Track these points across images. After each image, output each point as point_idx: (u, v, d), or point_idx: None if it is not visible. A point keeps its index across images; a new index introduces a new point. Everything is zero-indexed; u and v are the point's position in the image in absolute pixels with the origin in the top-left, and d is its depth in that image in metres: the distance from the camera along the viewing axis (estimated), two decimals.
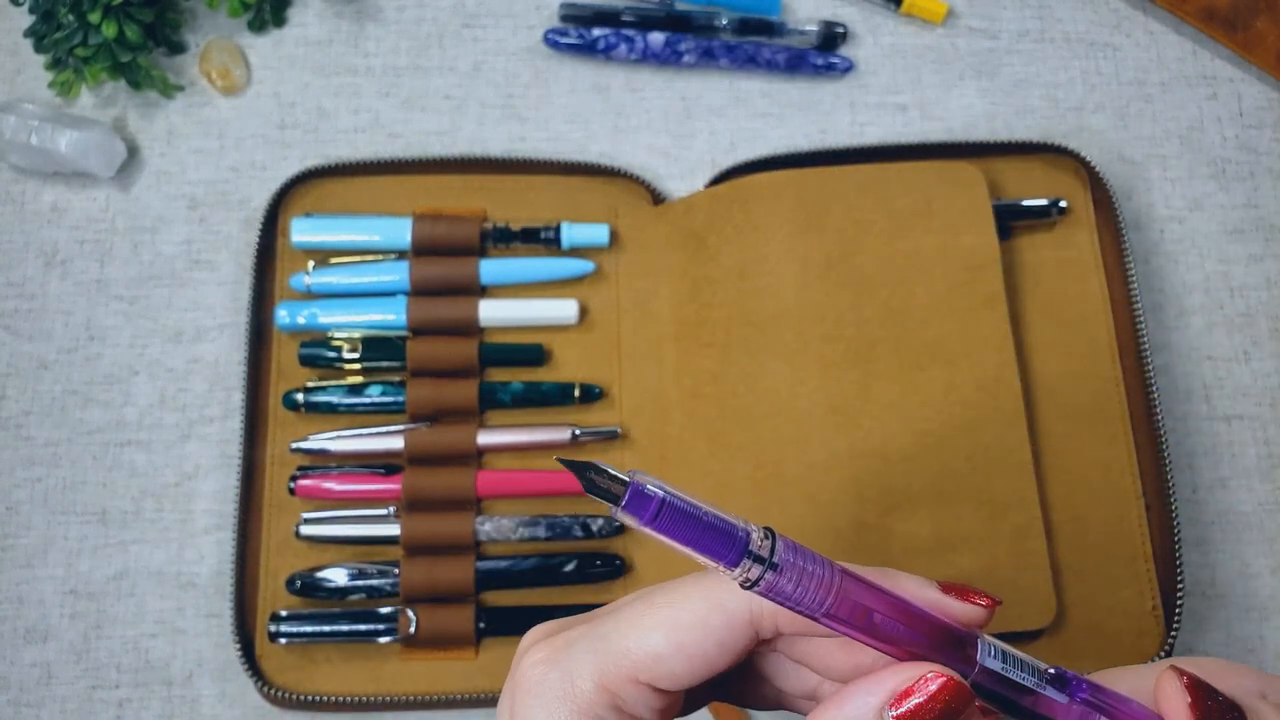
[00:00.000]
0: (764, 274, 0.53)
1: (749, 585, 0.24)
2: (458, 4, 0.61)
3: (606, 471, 0.24)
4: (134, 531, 0.52)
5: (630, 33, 0.59)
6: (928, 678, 0.24)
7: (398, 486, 0.51)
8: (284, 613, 0.49)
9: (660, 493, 0.24)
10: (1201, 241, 0.58)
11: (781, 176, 0.55)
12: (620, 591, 0.51)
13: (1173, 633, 0.49)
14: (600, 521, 0.51)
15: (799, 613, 0.25)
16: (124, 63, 0.56)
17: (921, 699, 0.24)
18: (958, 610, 0.26)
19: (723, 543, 0.24)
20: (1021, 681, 0.26)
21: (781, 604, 0.25)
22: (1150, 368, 0.52)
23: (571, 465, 0.24)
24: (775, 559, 0.24)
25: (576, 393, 0.53)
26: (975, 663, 0.26)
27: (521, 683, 0.26)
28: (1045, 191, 0.56)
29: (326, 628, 0.49)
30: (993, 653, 0.26)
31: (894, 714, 0.24)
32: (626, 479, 0.24)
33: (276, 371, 0.54)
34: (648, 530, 0.24)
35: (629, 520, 0.24)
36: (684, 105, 0.60)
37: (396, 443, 0.52)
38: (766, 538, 0.25)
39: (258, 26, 0.60)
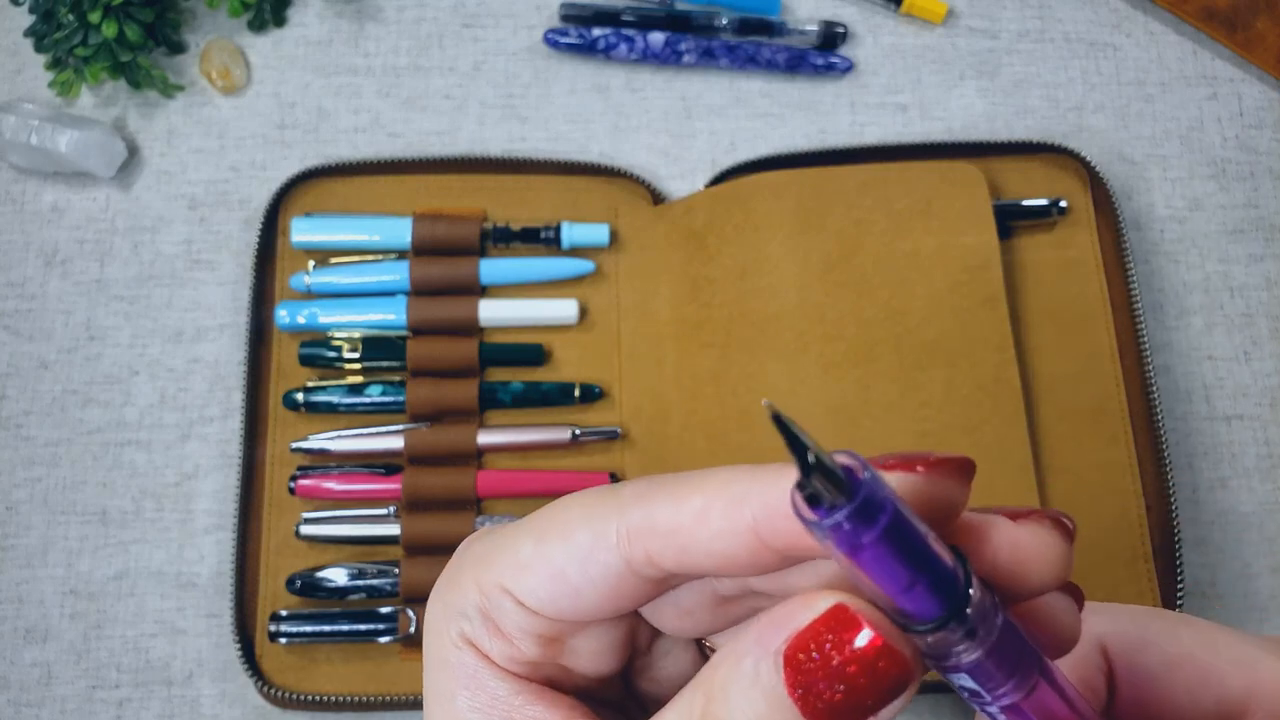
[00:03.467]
0: (764, 274, 0.53)
1: (947, 669, 0.18)
2: (458, 4, 0.61)
3: (825, 465, 0.17)
4: (134, 531, 0.52)
5: (630, 33, 0.59)
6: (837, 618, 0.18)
7: (398, 486, 0.51)
8: (284, 613, 0.49)
9: (890, 498, 0.17)
10: (1201, 241, 0.58)
11: (781, 176, 0.55)
12: None
13: None
14: None
15: (981, 697, 0.19)
16: (124, 62, 0.56)
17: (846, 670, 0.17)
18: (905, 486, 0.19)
19: (936, 588, 0.17)
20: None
21: (980, 682, 0.19)
22: (1150, 368, 0.52)
23: (791, 438, 0.17)
24: (996, 622, 0.18)
25: (576, 393, 0.53)
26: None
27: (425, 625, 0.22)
28: (1045, 191, 0.56)
29: (326, 628, 0.49)
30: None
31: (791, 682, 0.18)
32: (849, 473, 0.17)
33: (276, 371, 0.54)
34: (845, 558, 0.17)
35: (829, 542, 0.17)
36: (684, 105, 0.60)
37: (396, 443, 0.52)
38: (971, 584, 0.18)
39: (258, 26, 0.60)
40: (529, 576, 0.20)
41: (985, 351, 0.52)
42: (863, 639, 0.17)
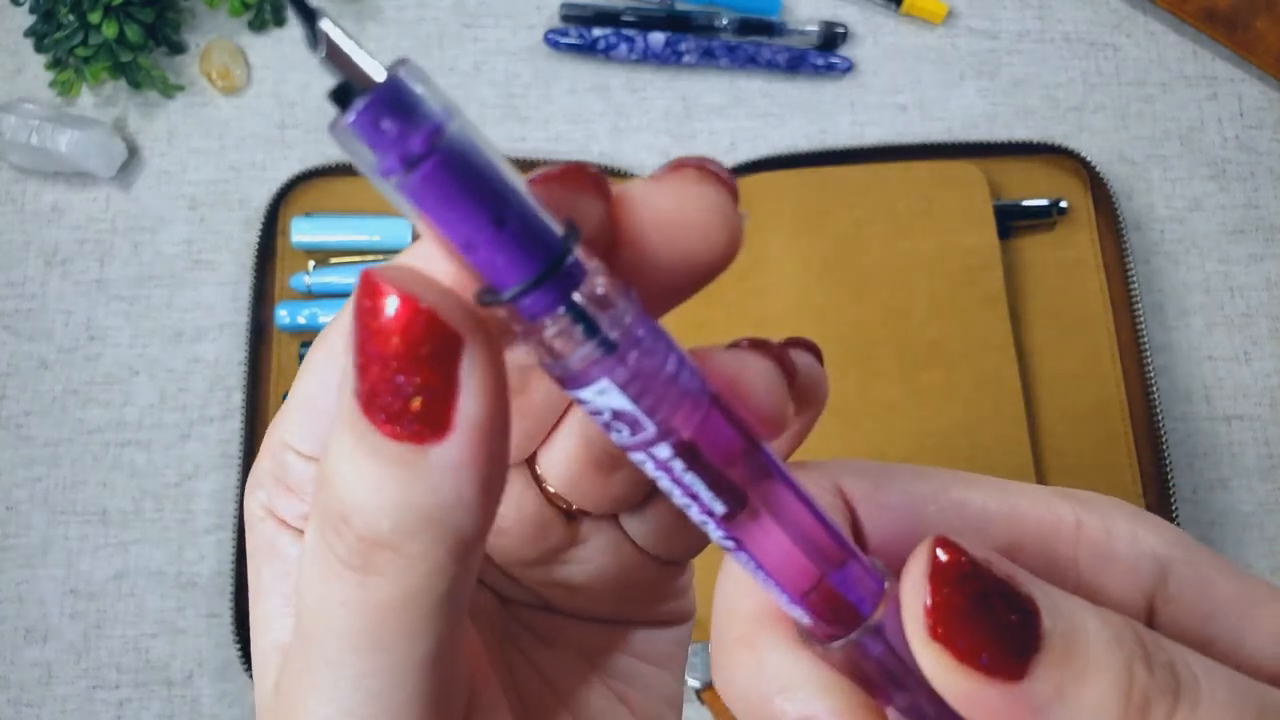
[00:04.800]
0: (764, 274, 0.53)
1: (575, 383, 0.14)
2: (458, 4, 0.61)
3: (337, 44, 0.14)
4: (134, 531, 0.52)
5: (630, 33, 0.59)
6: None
7: None
8: None
9: (442, 114, 0.13)
10: (1201, 241, 0.58)
11: (781, 177, 0.55)
12: None
13: None
14: None
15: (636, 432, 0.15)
16: (124, 63, 0.56)
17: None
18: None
19: (521, 240, 0.13)
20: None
21: (631, 400, 0.15)
22: (1150, 368, 0.52)
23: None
24: (625, 319, 0.14)
25: None
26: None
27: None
28: (1045, 191, 0.56)
29: None
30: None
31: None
32: (381, 72, 0.13)
33: (276, 371, 0.54)
34: (396, 191, 0.14)
35: (371, 157, 0.13)
36: (684, 105, 0.60)
37: None
38: (571, 245, 0.14)
39: (258, 26, 0.60)
40: (295, 421, 0.19)
41: (985, 351, 0.52)
42: (391, 305, 0.14)
